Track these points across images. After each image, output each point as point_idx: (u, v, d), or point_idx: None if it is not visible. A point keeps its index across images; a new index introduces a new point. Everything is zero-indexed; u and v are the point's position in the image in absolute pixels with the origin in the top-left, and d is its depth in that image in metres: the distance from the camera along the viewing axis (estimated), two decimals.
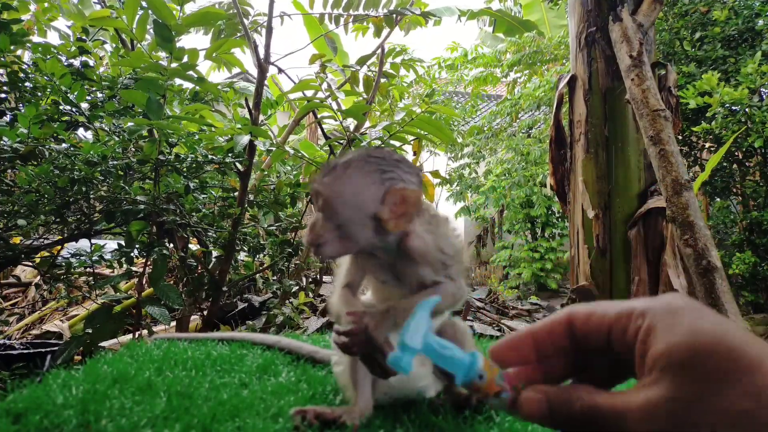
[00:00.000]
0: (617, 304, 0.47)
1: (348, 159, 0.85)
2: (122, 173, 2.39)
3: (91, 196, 2.29)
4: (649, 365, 0.41)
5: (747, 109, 4.04)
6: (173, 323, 2.86)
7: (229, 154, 2.50)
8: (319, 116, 3.32)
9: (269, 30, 2.83)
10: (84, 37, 2.61)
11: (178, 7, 2.28)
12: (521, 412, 0.48)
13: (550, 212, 8.14)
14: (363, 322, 0.81)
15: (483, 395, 0.52)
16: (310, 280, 3.68)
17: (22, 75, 2.38)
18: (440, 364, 0.55)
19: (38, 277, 4.30)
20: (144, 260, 2.44)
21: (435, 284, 0.91)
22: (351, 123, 3.10)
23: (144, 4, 2.18)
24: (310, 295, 3.32)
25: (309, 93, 3.26)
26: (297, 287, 2.94)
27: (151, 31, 2.24)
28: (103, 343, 2.30)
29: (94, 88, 2.59)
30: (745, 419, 0.35)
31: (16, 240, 2.67)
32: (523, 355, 0.51)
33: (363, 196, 0.83)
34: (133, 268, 2.39)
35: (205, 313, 2.68)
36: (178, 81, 2.52)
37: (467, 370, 0.53)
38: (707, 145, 5.22)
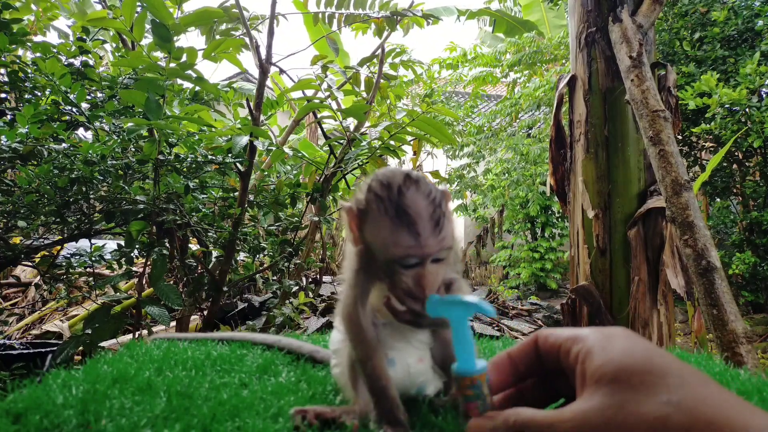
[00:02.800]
0: (570, 329, 0.54)
1: (434, 200, 0.82)
2: (122, 173, 2.39)
3: (91, 196, 2.29)
4: (587, 382, 0.47)
5: (746, 110, 4.04)
6: (173, 323, 2.86)
7: (230, 155, 2.50)
8: (318, 116, 3.32)
9: (271, 30, 2.83)
10: (84, 37, 2.61)
11: (177, 7, 2.28)
12: None
13: (549, 212, 8.14)
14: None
15: (456, 391, 0.62)
16: (310, 280, 3.68)
17: (22, 75, 2.38)
18: (454, 343, 0.69)
19: (38, 277, 4.30)
20: (144, 260, 2.44)
21: (450, 282, 0.93)
22: (351, 123, 3.10)
23: (144, 3, 2.18)
24: (310, 295, 3.32)
25: (310, 93, 3.26)
26: (297, 287, 2.94)
27: (151, 30, 2.24)
28: (103, 343, 2.30)
29: (94, 88, 2.59)
30: (661, 422, 0.41)
31: (16, 240, 2.67)
32: (503, 378, 0.58)
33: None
34: (133, 268, 2.39)
35: (205, 313, 2.68)
36: (178, 81, 2.51)
37: (464, 368, 0.63)
38: (707, 145, 5.22)
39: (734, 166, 5.13)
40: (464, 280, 0.97)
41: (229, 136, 2.59)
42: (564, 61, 7.43)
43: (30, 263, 2.58)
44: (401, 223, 0.79)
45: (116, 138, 2.33)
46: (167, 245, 2.31)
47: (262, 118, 2.95)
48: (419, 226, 0.79)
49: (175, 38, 2.23)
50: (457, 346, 0.70)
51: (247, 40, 2.80)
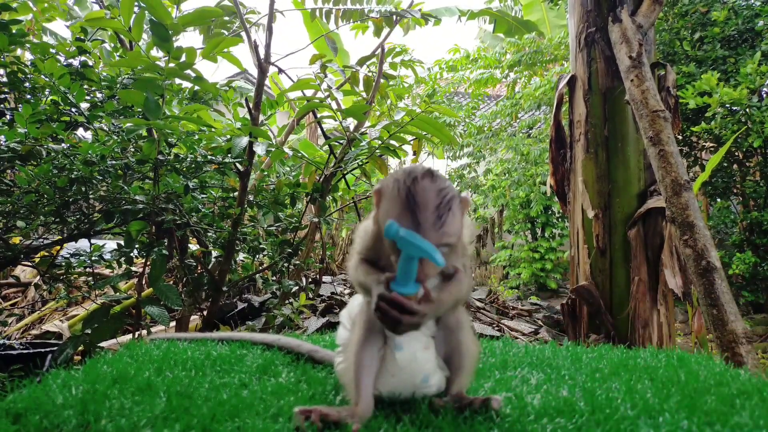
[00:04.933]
0: None
1: (444, 197, 0.87)
2: (121, 173, 2.38)
3: (91, 196, 2.29)
4: None
5: (746, 109, 4.04)
6: (172, 323, 2.85)
7: (229, 154, 2.49)
8: (318, 116, 3.32)
9: (269, 30, 2.82)
10: (82, 37, 2.61)
11: (175, 6, 2.28)
12: None
13: (549, 212, 8.14)
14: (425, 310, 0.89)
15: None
16: (310, 280, 3.68)
17: (21, 76, 2.37)
18: (399, 268, 0.85)
19: (38, 277, 4.30)
20: (143, 260, 2.44)
21: (455, 270, 0.96)
22: (351, 123, 3.09)
23: (141, 3, 2.17)
24: (310, 295, 3.31)
25: (309, 92, 3.26)
26: (296, 288, 2.94)
27: (149, 30, 2.24)
28: (103, 344, 2.30)
29: (93, 88, 2.58)
30: None
31: (16, 240, 2.67)
32: None
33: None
34: (133, 268, 2.39)
35: (205, 313, 2.68)
36: (177, 80, 2.51)
37: (405, 288, 0.85)
38: (707, 145, 5.23)
39: (734, 166, 5.13)
40: (468, 272, 1.00)
41: (229, 137, 2.58)
42: (564, 61, 7.43)
43: (30, 263, 2.58)
44: (407, 207, 0.85)
45: (115, 138, 2.33)
46: (166, 245, 2.31)
47: (261, 117, 2.95)
48: (421, 216, 0.85)
49: (174, 38, 2.23)
50: (401, 273, 0.85)
51: (246, 38, 2.80)
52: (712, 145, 5.19)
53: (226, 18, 3.75)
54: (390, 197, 0.89)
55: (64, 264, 2.40)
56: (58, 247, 2.56)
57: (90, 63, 2.59)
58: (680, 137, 4.92)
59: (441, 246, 0.86)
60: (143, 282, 2.39)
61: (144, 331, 2.32)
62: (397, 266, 0.87)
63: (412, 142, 3.02)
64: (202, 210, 2.56)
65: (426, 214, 0.85)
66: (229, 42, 2.47)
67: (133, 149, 2.46)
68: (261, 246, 2.75)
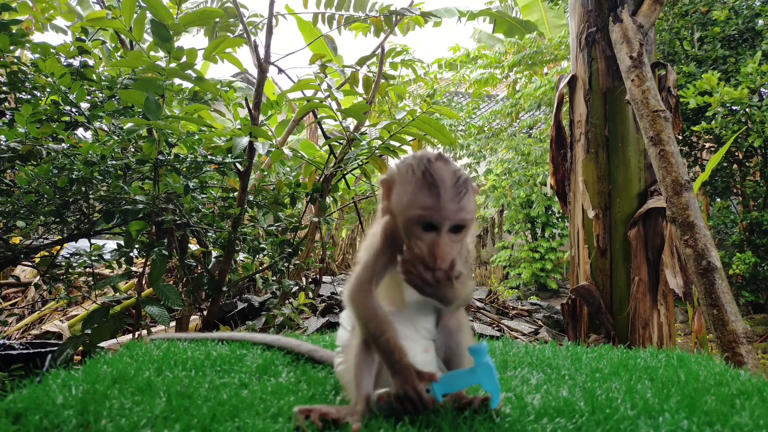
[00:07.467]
0: None
1: (460, 177, 0.87)
2: (121, 173, 2.38)
3: (91, 196, 2.29)
4: None
5: (747, 109, 4.04)
6: (172, 323, 2.85)
7: (229, 155, 2.49)
8: (318, 116, 3.32)
9: (269, 30, 2.82)
10: (83, 37, 2.61)
11: (176, 6, 2.28)
12: None
13: (550, 212, 8.14)
14: None
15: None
16: (310, 280, 3.68)
17: (21, 76, 2.37)
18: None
19: (38, 277, 4.30)
20: (143, 260, 2.44)
21: (457, 275, 0.95)
22: (351, 123, 3.09)
23: (142, 3, 2.17)
24: (310, 295, 3.31)
25: (309, 93, 3.26)
26: (296, 287, 2.94)
27: (150, 30, 2.23)
28: (103, 344, 2.29)
29: (93, 88, 2.58)
30: None
31: (16, 240, 2.67)
32: None
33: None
34: (133, 268, 2.38)
35: (205, 313, 2.68)
36: (177, 81, 2.51)
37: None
38: (707, 145, 5.23)
39: (734, 166, 5.14)
40: (471, 278, 1.00)
41: (229, 137, 2.58)
42: (564, 61, 7.43)
43: (30, 263, 2.58)
44: (425, 184, 0.86)
45: (116, 138, 2.33)
46: (166, 245, 2.31)
47: (261, 118, 2.95)
48: (440, 189, 0.85)
49: (175, 38, 2.23)
50: (450, 376, 0.93)
51: (246, 38, 2.80)
52: (712, 145, 5.19)
53: (231, 20, 3.76)
54: (405, 180, 0.89)
55: (64, 264, 2.40)
56: (58, 247, 2.56)
57: (90, 63, 2.59)
58: (680, 137, 4.92)
59: (458, 222, 0.86)
60: (143, 282, 2.39)
61: (144, 331, 2.32)
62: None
63: (411, 143, 3.02)
64: (202, 210, 2.56)
65: (445, 188, 0.86)
66: (230, 42, 2.47)
67: (133, 149, 2.46)
68: (261, 246, 2.75)
